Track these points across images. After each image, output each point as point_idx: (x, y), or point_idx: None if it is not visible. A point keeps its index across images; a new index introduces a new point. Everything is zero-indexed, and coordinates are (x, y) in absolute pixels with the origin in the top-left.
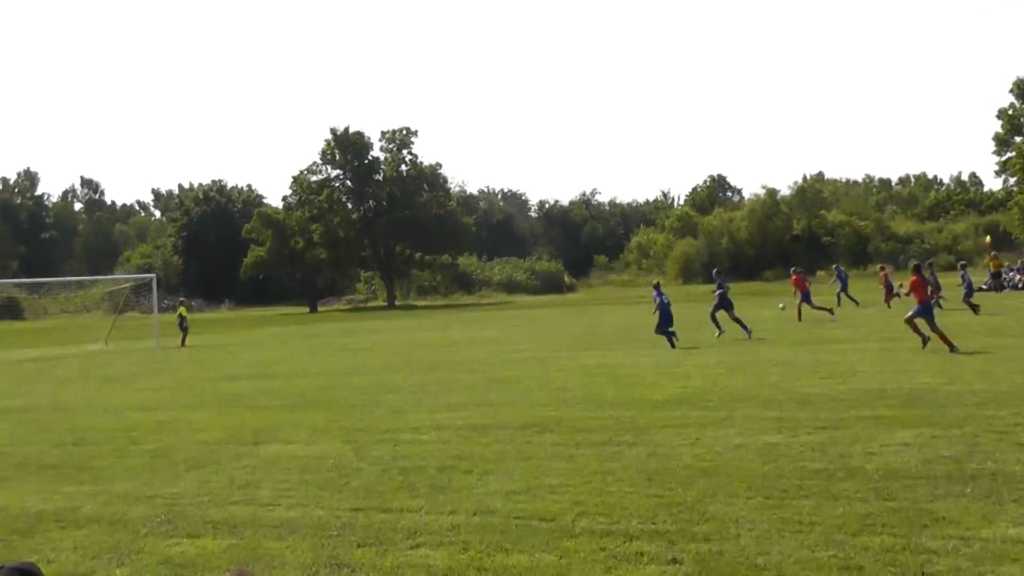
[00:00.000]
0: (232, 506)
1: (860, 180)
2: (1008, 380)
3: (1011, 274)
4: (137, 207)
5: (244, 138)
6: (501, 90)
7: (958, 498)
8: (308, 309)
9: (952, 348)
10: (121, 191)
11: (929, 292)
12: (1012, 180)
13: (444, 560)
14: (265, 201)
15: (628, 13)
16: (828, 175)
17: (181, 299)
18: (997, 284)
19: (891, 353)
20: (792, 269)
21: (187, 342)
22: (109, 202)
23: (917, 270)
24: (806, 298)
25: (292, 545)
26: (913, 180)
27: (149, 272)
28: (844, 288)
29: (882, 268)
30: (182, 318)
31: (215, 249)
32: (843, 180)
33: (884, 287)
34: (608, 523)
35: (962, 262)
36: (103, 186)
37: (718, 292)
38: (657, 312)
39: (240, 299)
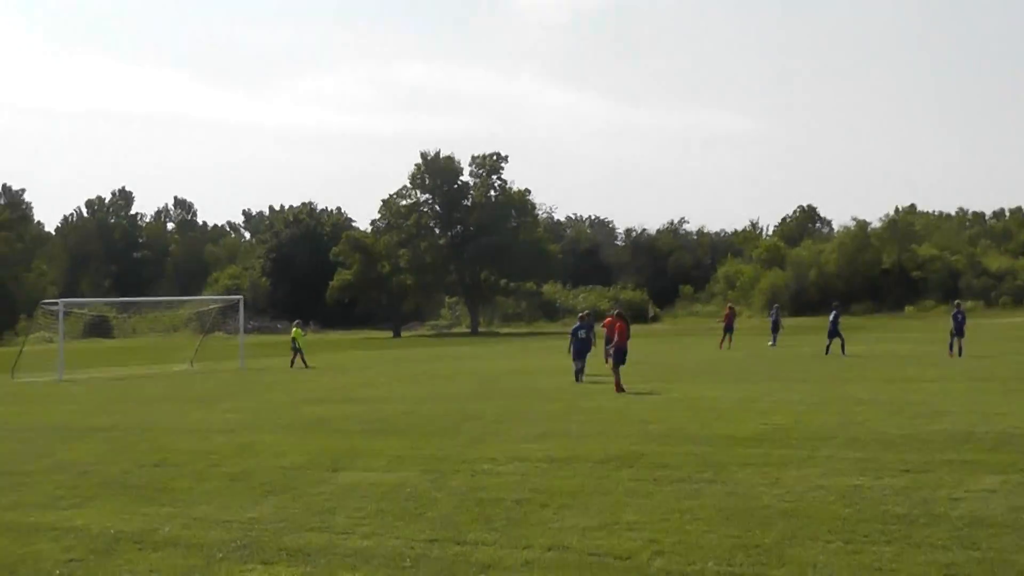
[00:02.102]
0: (308, 533)
1: (953, 213)
2: None
3: None
4: (228, 228)
5: (337, 160)
6: (592, 112)
7: None
8: (392, 334)
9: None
10: (213, 212)
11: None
12: None
13: None
14: (354, 224)
15: (718, 30)
16: (920, 208)
17: (297, 321)
18: None
19: (980, 394)
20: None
21: (297, 363)
22: (201, 223)
23: (620, 316)
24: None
25: (366, 575)
26: (1008, 214)
27: (237, 293)
28: (958, 331)
29: (730, 305)
30: (294, 340)
31: (303, 271)
32: (935, 213)
33: (724, 325)
34: (684, 563)
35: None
36: (196, 206)
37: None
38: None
39: (326, 322)
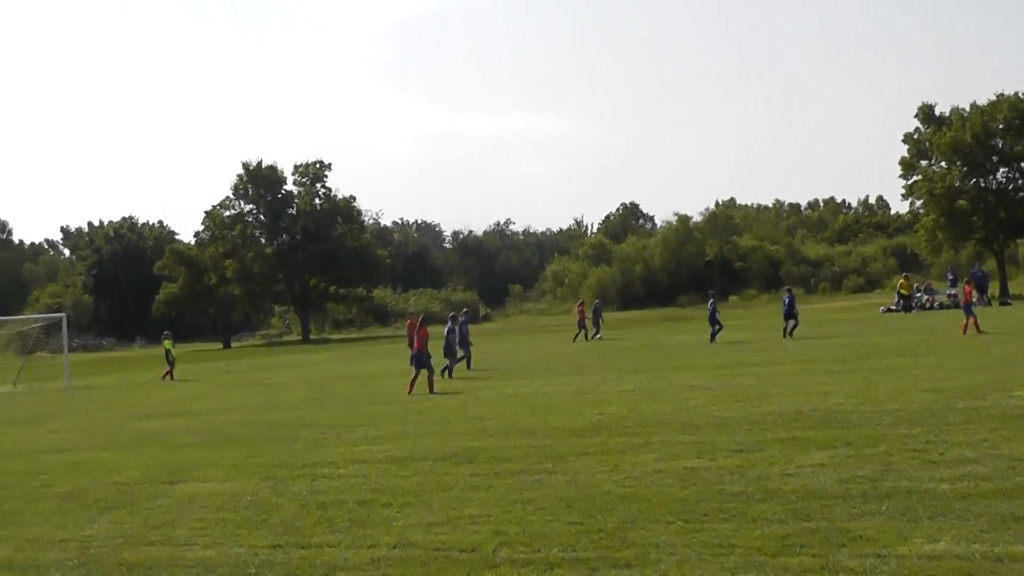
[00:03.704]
0: (147, 547)
1: (770, 205)
2: (919, 399)
3: (919, 295)
4: (46, 246)
5: (156, 173)
6: (418, 119)
7: (874, 516)
8: (222, 345)
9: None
10: (29, 230)
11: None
12: (918, 203)
13: None
14: (177, 237)
15: (539, 35)
16: (740, 201)
17: (166, 332)
18: (907, 305)
19: (806, 375)
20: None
21: (174, 375)
22: (17, 241)
23: (424, 322)
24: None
25: None
26: (822, 204)
27: (59, 312)
28: (787, 313)
29: (580, 304)
30: (167, 351)
31: (127, 287)
32: (754, 206)
33: (578, 320)
34: (529, 552)
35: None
36: (11, 224)
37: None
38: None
39: (153, 337)
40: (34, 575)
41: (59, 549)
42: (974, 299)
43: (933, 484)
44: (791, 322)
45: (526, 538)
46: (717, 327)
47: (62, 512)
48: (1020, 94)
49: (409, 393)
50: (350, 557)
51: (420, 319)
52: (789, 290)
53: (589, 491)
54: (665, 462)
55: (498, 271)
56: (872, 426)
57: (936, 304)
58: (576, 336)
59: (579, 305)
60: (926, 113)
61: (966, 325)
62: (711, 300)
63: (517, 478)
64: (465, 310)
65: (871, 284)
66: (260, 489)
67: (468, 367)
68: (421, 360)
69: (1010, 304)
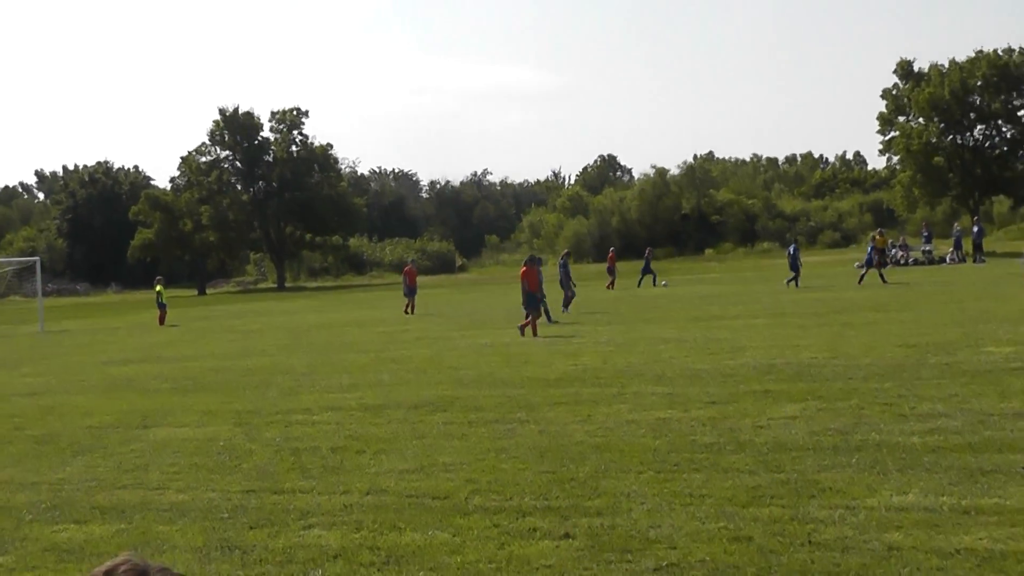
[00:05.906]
0: (120, 491)
1: (748, 159)
2: (891, 353)
3: (893, 251)
4: (20, 189)
5: (131, 118)
6: (394, 67)
7: (844, 469)
8: (197, 292)
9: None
10: (3, 173)
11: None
12: (895, 159)
13: (337, 540)
14: (153, 183)
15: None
16: (717, 154)
17: (159, 277)
18: (882, 261)
19: (779, 328)
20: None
21: (163, 321)
22: None
23: (532, 262)
24: None
25: (182, 528)
26: (800, 159)
27: (33, 255)
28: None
29: (612, 250)
30: (158, 294)
31: (102, 232)
32: (731, 159)
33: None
34: (501, 500)
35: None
36: None
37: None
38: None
39: (127, 282)
40: (5, 516)
41: (32, 491)
42: (949, 254)
43: (903, 438)
44: (865, 270)
45: (498, 486)
46: (795, 273)
47: (35, 455)
48: (999, 51)
49: (522, 336)
50: (323, 503)
51: (527, 259)
52: (875, 237)
53: (561, 441)
54: (637, 413)
55: (475, 221)
56: (844, 380)
57: (911, 260)
58: (608, 284)
59: (611, 251)
60: (905, 69)
61: None
62: (793, 245)
63: (490, 427)
64: (567, 251)
65: (847, 239)
66: (233, 435)
67: (565, 309)
68: (532, 302)
69: (984, 261)
